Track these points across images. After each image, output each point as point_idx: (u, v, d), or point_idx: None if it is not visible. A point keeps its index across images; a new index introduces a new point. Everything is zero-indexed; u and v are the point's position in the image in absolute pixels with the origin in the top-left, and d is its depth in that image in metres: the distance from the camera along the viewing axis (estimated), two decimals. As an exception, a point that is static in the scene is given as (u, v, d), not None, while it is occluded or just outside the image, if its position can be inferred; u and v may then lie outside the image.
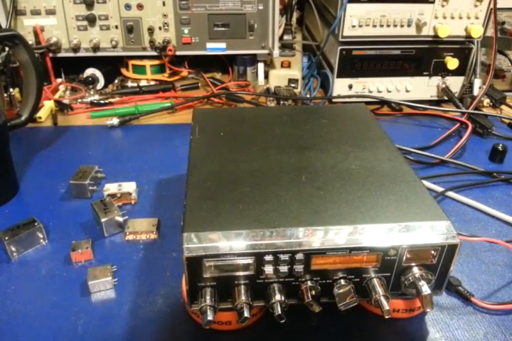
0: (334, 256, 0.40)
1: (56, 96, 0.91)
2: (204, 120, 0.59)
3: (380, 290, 0.41)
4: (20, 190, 0.67)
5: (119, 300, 0.49)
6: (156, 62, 0.97)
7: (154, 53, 0.93)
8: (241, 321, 0.40)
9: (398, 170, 0.48)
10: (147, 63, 0.97)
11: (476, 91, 0.90)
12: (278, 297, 0.40)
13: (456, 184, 0.69)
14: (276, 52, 0.94)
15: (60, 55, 0.92)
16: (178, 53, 0.94)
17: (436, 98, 0.94)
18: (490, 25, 0.88)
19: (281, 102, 0.91)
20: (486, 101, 0.92)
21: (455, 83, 0.92)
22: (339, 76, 0.90)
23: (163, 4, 0.89)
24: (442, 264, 0.42)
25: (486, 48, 0.95)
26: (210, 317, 0.39)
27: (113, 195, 0.62)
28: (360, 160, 0.50)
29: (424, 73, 0.91)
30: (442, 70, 0.91)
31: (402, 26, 0.86)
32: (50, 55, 0.91)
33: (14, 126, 0.68)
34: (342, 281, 0.42)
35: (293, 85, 0.97)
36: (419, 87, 0.92)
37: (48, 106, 0.87)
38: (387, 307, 0.40)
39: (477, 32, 0.86)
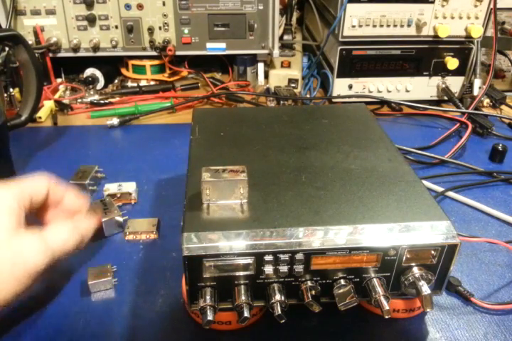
0: (334, 256, 0.40)
1: (56, 96, 0.91)
2: (204, 120, 0.59)
3: (380, 290, 0.41)
4: (20, 190, 0.66)
5: (119, 300, 0.49)
6: (156, 62, 0.97)
7: (154, 53, 0.93)
8: (241, 321, 0.40)
9: (398, 170, 0.48)
10: (147, 63, 0.97)
11: (476, 92, 0.90)
12: (278, 297, 0.40)
13: (456, 184, 0.69)
14: (276, 52, 0.94)
15: (60, 55, 0.92)
16: (178, 53, 0.94)
17: (436, 98, 0.94)
18: (490, 25, 0.88)
19: (281, 102, 0.91)
20: (486, 101, 0.92)
21: (455, 83, 0.92)
22: (339, 76, 0.90)
23: (163, 4, 0.89)
24: (442, 264, 0.42)
25: (486, 48, 0.95)
26: (210, 317, 0.39)
27: (113, 195, 0.62)
28: (360, 160, 0.50)
29: (424, 73, 0.91)
30: (442, 70, 0.91)
31: (402, 26, 0.86)
32: (50, 55, 0.91)
33: (14, 126, 0.68)
34: (342, 281, 0.42)
35: (293, 85, 0.97)
36: (419, 87, 0.93)
37: (47, 106, 0.87)
38: (387, 307, 0.40)
39: (477, 32, 0.86)
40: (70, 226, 0.45)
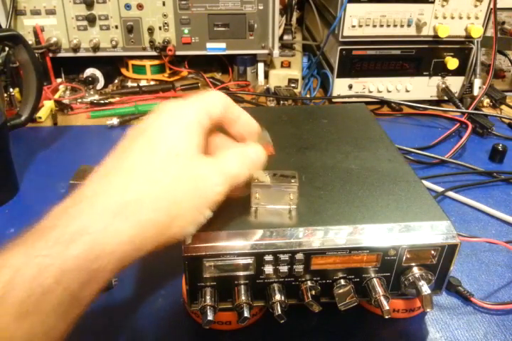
0: (334, 256, 0.40)
1: (56, 96, 0.91)
2: (204, 120, 0.59)
3: (380, 290, 0.41)
4: (20, 190, 0.67)
5: (119, 300, 0.49)
6: (156, 62, 0.97)
7: (154, 53, 0.93)
8: (241, 321, 0.40)
9: (398, 170, 0.48)
10: (147, 63, 0.97)
11: (476, 92, 0.90)
12: (278, 297, 0.40)
13: (456, 184, 0.69)
14: (276, 52, 0.94)
15: (60, 55, 0.92)
16: (178, 53, 0.94)
17: (436, 98, 0.94)
18: (490, 25, 0.88)
19: (281, 102, 0.91)
20: (486, 101, 0.92)
21: (455, 83, 0.92)
22: (339, 76, 0.90)
23: (163, 4, 0.89)
24: (442, 264, 0.42)
25: (486, 48, 0.95)
26: (210, 317, 0.39)
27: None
28: (360, 160, 0.50)
29: (424, 73, 0.91)
30: (442, 70, 0.91)
31: (402, 26, 0.86)
32: (50, 55, 0.91)
33: (14, 126, 0.68)
34: (342, 281, 0.42)
35: (293, 85, 0.97)
36: (419, 87, 0.92)
37: (47, 106, 0.87)
38: (387, 307, 0.40)
39: (477, 32, 0.86)
40: (242, 153, 0.38)
